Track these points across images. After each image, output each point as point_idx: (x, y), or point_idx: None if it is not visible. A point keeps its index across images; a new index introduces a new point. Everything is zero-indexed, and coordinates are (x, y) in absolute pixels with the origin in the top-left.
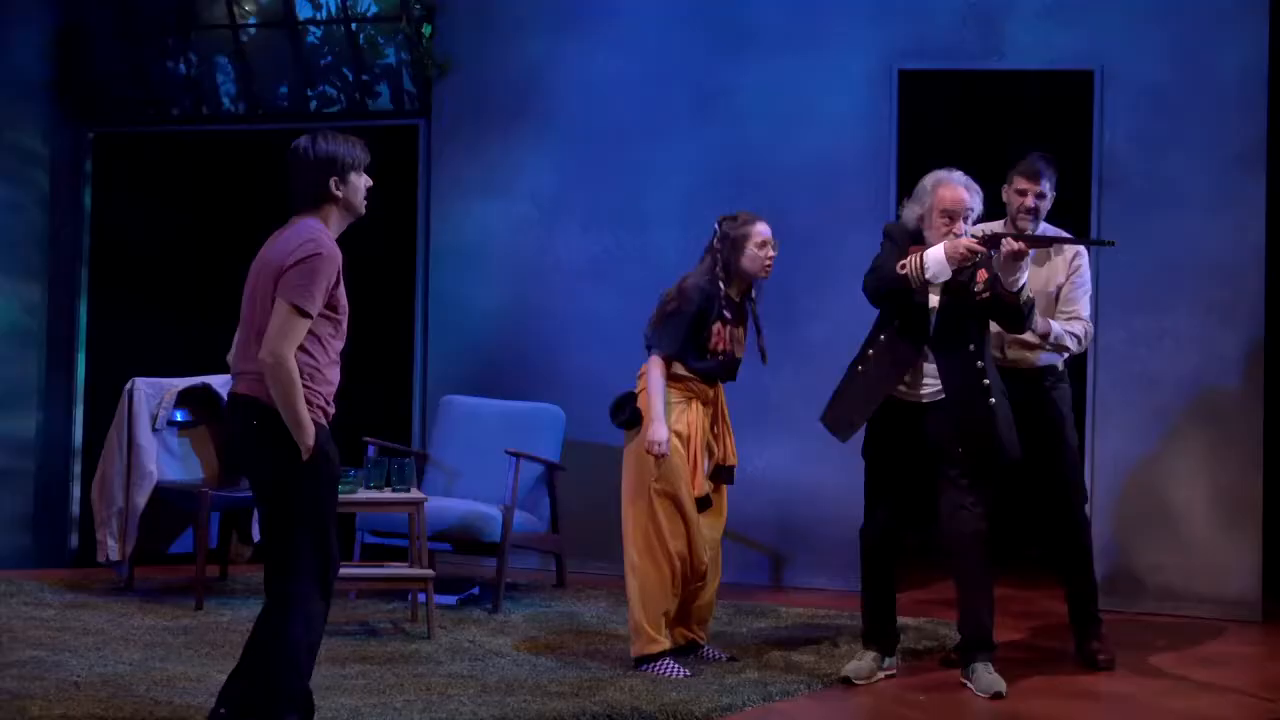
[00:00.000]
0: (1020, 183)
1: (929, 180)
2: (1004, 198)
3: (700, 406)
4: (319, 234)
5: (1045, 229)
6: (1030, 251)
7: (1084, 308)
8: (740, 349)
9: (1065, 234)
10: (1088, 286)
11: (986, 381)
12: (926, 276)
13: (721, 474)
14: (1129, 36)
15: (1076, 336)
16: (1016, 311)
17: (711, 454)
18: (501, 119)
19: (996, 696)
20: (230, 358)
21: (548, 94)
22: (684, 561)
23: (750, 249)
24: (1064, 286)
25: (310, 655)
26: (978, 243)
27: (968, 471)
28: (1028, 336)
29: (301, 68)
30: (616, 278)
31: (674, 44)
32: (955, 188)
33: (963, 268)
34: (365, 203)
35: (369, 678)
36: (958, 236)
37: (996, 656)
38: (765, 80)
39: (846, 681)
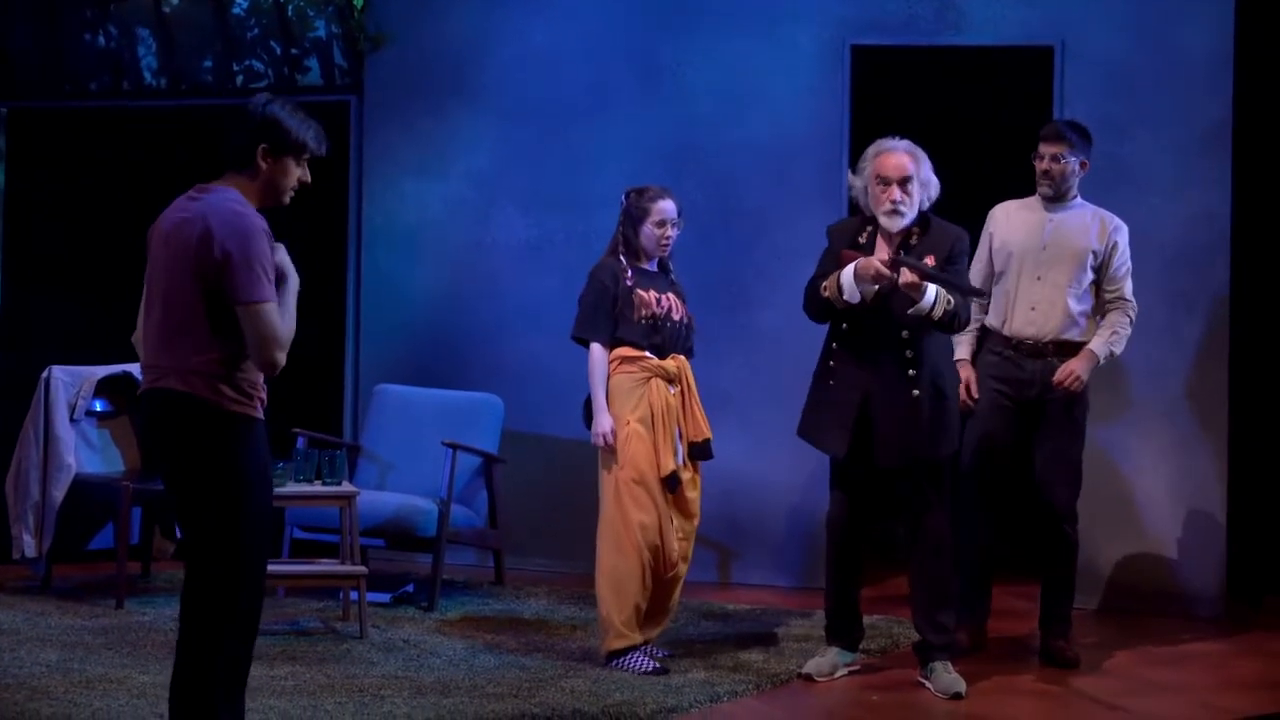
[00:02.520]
0: (1040, 146)
1: (870, 149)
2: None
3: (662, 384)
4: (237, 205)
5: (1080, 202)
6: (924, 284)
7: (1128, 287)
8: (679, 313)
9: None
10: (1130, 263)
11: (912, 373)
12: (844, 298)
13: (696, 450)
14: (1091, 12)
15: (1122, 334)
16: (939, 326)
17: (683, 435)
18: (437, 95)
19: (956, 697)
20: (142, 346)
21: (485, 69)
22: (655, 553)
23: (648, 227)
24: (1105, 263)
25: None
26: (886, 265)
27: (924, 472)
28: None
29: (226, 41)
30: (557, 261)
31: (618, 17)
32: (895, 154)
33: (879, 285)
34: (291, 194)
35: (298, 679)
36: (895, 204)
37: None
38: (713, 56)
39: (807, 679)
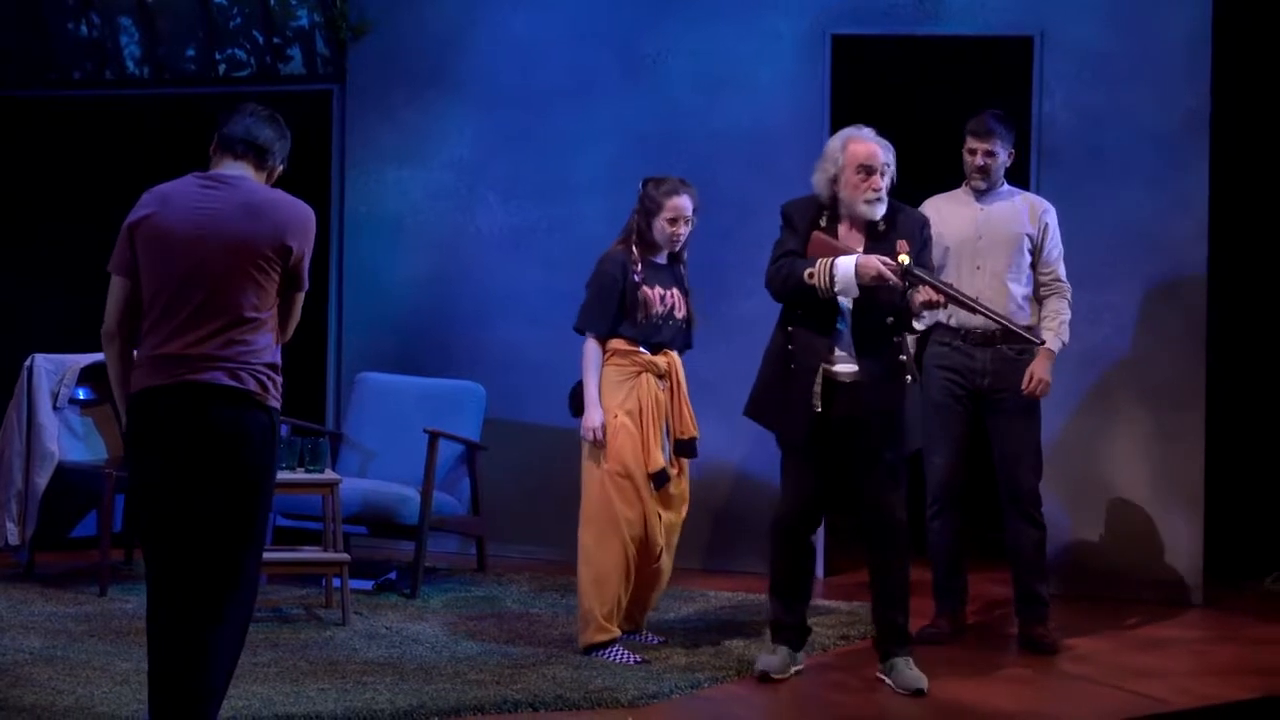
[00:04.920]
0: (970, 141)
1: (836, 140)
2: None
3: (652, 380)
4: (287, 195)
5: (1007, 189)
6: (943, 304)
7: (1062, 269)
8: (681, 310)
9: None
10: (1061, 245)
11: (903, 358)
12: (835, 291)
13: (681, 448)
14: (1070, 2)
15: (1066, 320)
16: (911, 330)
17: (669, 430)
18: (419, 83)
19: (918, 694)
20: (161, 337)
21: (467, 57)
22: (639, 545)
23: (660, 222)
24: (1039, 247)
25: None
26: (893, 272)
27: (884, 458)
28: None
29: (209, 30)
30: (539, 249)
31: (599, 5)
32: (866, 142)
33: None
34: None
35: (282, 665)
36: (878, 193)
37: (939, 641)
38: (694, 44)
39: (765, 677)
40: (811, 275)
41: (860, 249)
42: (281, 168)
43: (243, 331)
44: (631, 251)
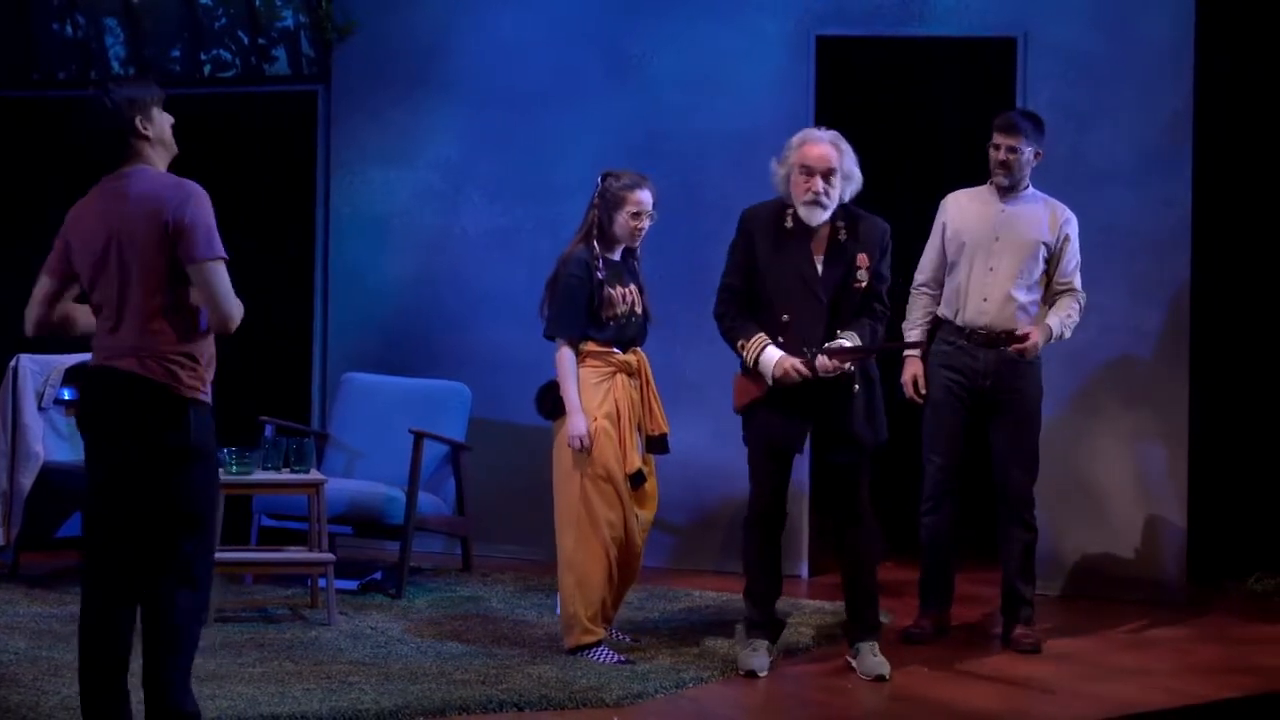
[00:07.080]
0: (995, 137)
1: (795, 137)
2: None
3: (625, 379)
4: (169, 177)
5: (1032, 192)
6: (847, 365)
7: (1079, 279)
8: (639, 305)
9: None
10: (1079, 255)
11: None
12: (758, 373)
13: (653, 444)
14: (1053, 3)
15: (1074, 318)
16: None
17: (642, 428)
18: (404, 84)
19: (879, 680)
20: (100, 331)
21: (453, 57)
22: (620, 547)
23: (623, 216)
24: (1056, 255)
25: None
26: (803, 368)
27: (850, 454)
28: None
29: (194, 30)
30: (525, 250)
31: (585, 5)
32: (819, 144)
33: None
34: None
35: (267, 665)
36: (816, 195)
37: (922, 640)
38: (679, 45)
39: (751, 675)
40: (744, 348)
41: (821, 258)
42: (149, 109)
43: (153, 319)
44: (593, 249)
